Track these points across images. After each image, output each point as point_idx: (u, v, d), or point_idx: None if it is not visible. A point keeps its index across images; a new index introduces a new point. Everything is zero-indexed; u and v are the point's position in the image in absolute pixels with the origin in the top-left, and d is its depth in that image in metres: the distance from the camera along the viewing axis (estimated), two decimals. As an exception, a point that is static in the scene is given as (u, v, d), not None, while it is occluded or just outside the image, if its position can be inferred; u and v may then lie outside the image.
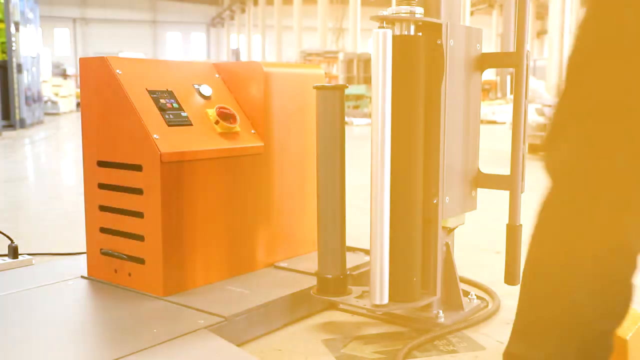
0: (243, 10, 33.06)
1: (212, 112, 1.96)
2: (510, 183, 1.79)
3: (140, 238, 1.84)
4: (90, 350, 1.52)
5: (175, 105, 1.90)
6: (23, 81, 11.59)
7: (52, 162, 6.56)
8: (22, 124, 11.44)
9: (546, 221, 1.08)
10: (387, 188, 1.61)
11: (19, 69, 11.28)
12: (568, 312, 1.04)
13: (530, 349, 1.11)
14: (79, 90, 4.98)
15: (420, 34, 1.67)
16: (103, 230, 1.95)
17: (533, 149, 6.59)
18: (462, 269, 2.43)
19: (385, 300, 1.64)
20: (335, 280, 1.76)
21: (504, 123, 11.85)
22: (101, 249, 1.96)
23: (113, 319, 1.67)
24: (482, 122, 1.88)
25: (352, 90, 14.52)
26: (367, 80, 15.34)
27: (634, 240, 1.00)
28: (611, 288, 1.02)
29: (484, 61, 1.82)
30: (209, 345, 1.51)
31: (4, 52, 11.18)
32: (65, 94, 19.91)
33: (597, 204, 0.99)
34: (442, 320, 1.80)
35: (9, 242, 2.33)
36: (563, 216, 1.05)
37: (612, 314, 1.04)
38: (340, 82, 15.11)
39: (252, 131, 2.05)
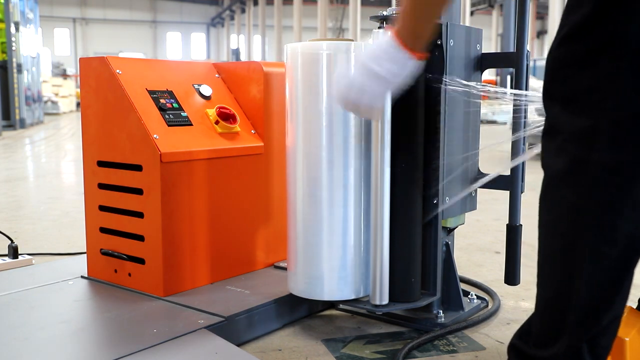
0: (243, 10, 33.06)
1: (212, 112, 1.97)
2: (510, 183, 1.79)
3: (140, 238, 1.84)
4: (90, 350, 1.52)
5: (175, 105, 1.90)
6: (23, 81, 11.60)
7: (52, 162, 6.56)
8: (22, 124, 11.45)
9: (540, 216, 1.09)
10: (387, 188, 1.61)
11: (19, 69, 11.29)
12: (573, 308, 1.03)
13: (537, 348, 1.11)
14: (79, 90, 4.98)
15: (420, 34, 1.67)
16: (103, 230, 1.95)
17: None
18: (462, 269, 2.43)
19: (385, 300, 1.65)
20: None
21: (504, 123, 11.84)
22: (101, 249, 1.96)
23: (113, 319, 1.67)
24: (482, 122, 1.88)
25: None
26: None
27: (629, 229, 0.99)
28: (612, 278, 1.02)
29: (484, 61, 1.82)
30: (209, 345, 1.51)
31: (4, 52, 11.18)
32: (65, 94, 19.91)
33: (586, 199, 0.99)
34: (442, 320, 1.80)
35: (9, 242, 2.33)
36: (557, 212, 1.05)
37: (616, 304, 1.04)
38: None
39: (252, 131, 2.05)
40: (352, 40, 1.66)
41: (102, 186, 1.94)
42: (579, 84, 0.98)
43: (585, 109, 0.97)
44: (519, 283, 1.82)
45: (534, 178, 1.10)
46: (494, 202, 3.68)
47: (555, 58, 1.03)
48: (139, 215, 1.83)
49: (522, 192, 1.79)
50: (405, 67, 1.21)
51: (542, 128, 1.08)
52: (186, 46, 39.81)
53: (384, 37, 1.22)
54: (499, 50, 10.34)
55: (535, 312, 1.13)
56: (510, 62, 1.75)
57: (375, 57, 1.22)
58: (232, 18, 35.46)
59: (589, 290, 1.01)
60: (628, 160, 0.95)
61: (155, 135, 1.77)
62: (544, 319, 1.10)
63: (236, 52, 27.19)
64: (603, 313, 1.03)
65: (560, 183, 1.03)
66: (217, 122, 1.95)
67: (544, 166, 1.07)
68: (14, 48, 11.12)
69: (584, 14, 0.97)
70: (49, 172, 5.75)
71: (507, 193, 1.80)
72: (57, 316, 1.69)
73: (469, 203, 1.87)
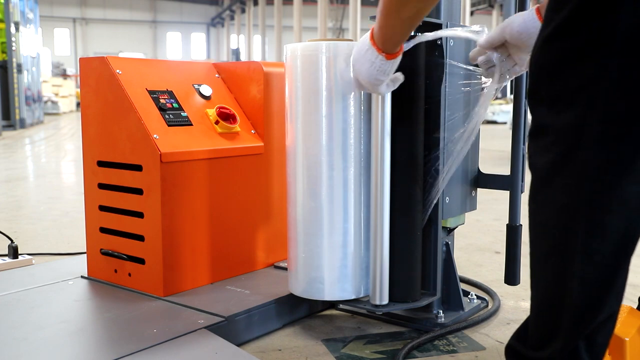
0: (243, 10, 33.05)
1: (212, 112, 1.97)
2: (510, 183, 1.79)
3: (140, 238, 1.84)
4: (90, 350, 1.52)
5: (175, 105, 1.90)
6: (23, 81, 11.61)
7: (52, 162, 6.56)
8: (22, 124, 11.46)
9: (530, 217, 1.08)
10: (387, 188, 1.61)
11: (19, 69, 11.30)
12: (567, 307, 1.03)
13: (534, 349, 1.11)
14: (79, 90, 4.98)
15: (420, 34, 1.67)
16: (103, 230, 1.95)
17: (533, 149, 6.58)
18: (462, 269, 2.43)
19: (385, 300, 1.65)
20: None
21: (504, 123, 11.84)
22: (101, 249, 1.96)
23: (113, 319, 1.67)
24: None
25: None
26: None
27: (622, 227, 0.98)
28: (605, 275, 1.01)
29: (484, 61, 1.82)
30: (208, 345, 1.51)
31: (4, 52, 11.19)
32: (65, 94, 19.93)
33: (575, 196, 0.98)
34: (442, 320, 1.80)
35: (9, 242, 2.33)
36: (547, 212, 1.05)
37: (610, 301, 1.03)
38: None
39: (252, 131, 2.05)
40: (352, 40, 1.66)
41: (102, 186, 1.94)
42: (566, 83, 0.97)
43: (573, 108, 0.96)
44: (519, 283, 1.82)
45: (534, 178, 1.10)
46: (494, 202, 3.68)
47: (540, 57, 1.02)
48: (139, 215, 1.83)
49: (522, 192, 1.79)
50: (374, 64, 1.40)
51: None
52: (186, 46, 39.79)
53: (364, 37, 1.40)
54: (499, 50, 10.29)
55: (530, 313, 1.13)
56: (510, 62, 1.74)
57: (355, 58, 1.44)
58: (232, 18, 35.45)
59: (582, 289, 1.01)
60: (615, 158, 0.95)
61: (155, 135, 1.77)
62: (539, 320, 1.10)
63: (236, 52, 27.18)
64: (598, 311, 1.02)
65: (549, 182, 1.02)
66: (217, 122, 1.95)
67: (531, 166, 1.07)
68: (14, 48, 11.13)
69: (570, 10, 0.95)
70: (49, 172, 5.75)
71: (507, 193, 1.80)
72: (57, 316, 1.69)
73: (469, 203, 1.87)
